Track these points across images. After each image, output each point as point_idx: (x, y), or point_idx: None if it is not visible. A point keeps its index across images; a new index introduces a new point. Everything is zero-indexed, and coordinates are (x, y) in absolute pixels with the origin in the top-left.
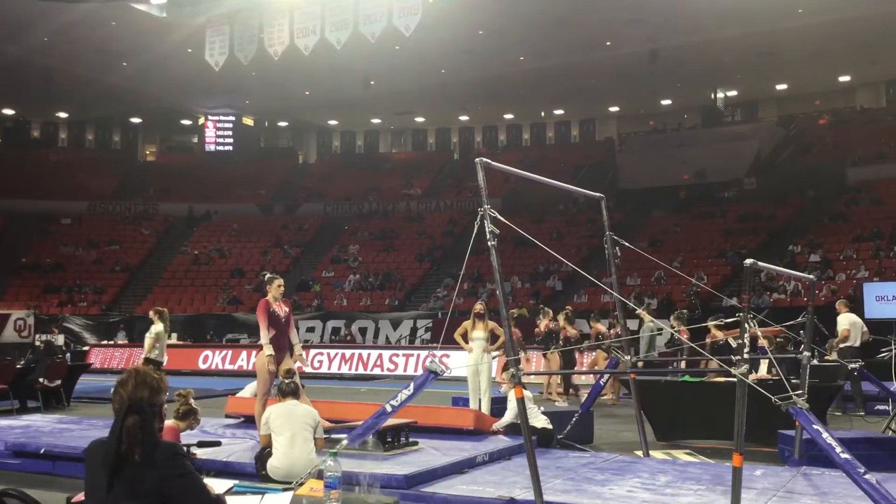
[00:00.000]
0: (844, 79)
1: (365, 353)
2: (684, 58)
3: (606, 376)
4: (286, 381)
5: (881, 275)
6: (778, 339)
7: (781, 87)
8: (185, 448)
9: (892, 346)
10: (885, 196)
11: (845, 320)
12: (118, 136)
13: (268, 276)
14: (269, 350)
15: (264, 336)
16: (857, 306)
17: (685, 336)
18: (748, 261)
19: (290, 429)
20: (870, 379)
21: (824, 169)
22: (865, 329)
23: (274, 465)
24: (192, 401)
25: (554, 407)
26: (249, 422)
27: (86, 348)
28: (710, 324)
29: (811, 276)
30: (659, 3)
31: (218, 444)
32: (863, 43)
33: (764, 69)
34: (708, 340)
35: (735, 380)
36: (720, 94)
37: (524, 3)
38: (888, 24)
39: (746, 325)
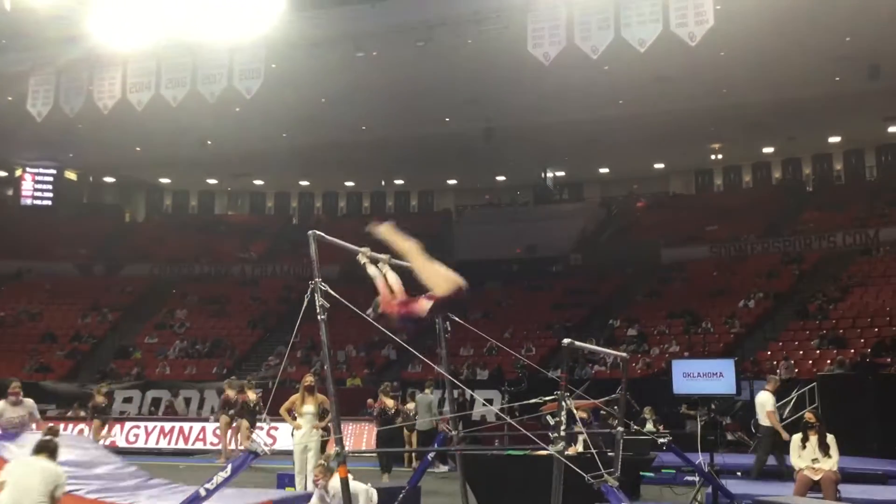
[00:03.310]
0: (659, 166)
1: (186, 425)
2: (517, 138)
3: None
4: (45, 437)
5: (690, 349)
6: (602, 412)
7: (604, 170)
8: None
9: (699, 420)
10: (693, 276)
11: None
12: None
13: None
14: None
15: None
16: (667, 381)
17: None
18: (566, 340)
19: (17, 491)
20: (675, 452)
21: (641, 248)
22: None
23: None
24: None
25: (382, 483)
26: None
27: None
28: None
29: (624, 354)
30: (492, 88)
31: None
32: (674, 135)
33: (588, 153)
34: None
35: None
36: (550, 174)
37: (367, 76)
38: (694, 121)
39: (563, 403)
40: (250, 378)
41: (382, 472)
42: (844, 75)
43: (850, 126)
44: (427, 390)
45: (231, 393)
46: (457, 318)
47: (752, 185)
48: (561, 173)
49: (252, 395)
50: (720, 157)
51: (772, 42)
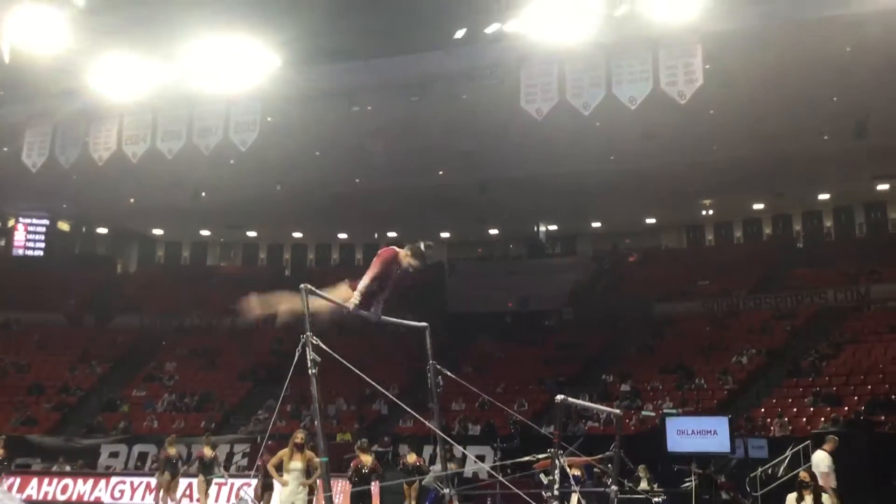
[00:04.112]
0: (650, 221)
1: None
2: (510, 192)
3: None
4: None
5: (684, 406)
6: (596, 470)
7: (595, 224)
8: None
9: (693, 478)
10: (686, 331)
11: None
12: None
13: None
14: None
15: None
16: (660, 436)
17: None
18: (559, 397)
19: None
20: None
21: (633, 303)
22: None
23: None
24: None
25: None
26: None
27: None
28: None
29: (618, 411)
30: (486, 142)
31: None
32: (665, 190)
33: (579, 207)
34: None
35: None
36: (542, 228)
37: (361, 130)
38: (685, 177)
39: (557, 461)
40: (208, 434)
41: None
42: (832, 134)
43: (840, 183)
44: None
45: (172, 451)
46: (448, 373)
47: (742, 241)
48: (553, 227)
49: (208, 452)
50: (711, 212)
51: (760, 101)
